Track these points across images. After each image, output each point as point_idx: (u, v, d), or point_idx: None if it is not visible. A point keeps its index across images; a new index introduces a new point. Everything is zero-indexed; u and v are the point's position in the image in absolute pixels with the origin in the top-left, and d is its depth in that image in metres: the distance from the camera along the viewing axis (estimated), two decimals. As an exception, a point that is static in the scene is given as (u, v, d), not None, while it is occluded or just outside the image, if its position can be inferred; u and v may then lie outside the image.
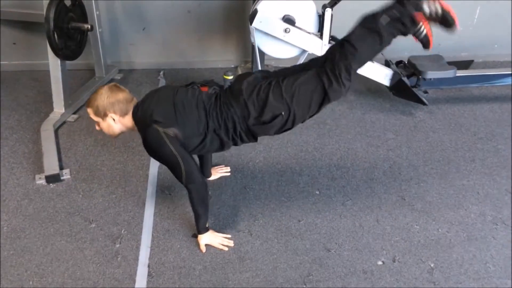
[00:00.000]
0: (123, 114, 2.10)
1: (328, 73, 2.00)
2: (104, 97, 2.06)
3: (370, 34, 2.00)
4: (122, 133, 2.18)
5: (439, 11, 2.01)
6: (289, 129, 2.14)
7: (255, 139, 2.17)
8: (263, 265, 2.14)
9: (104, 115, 2.08)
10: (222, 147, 2.15)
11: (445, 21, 2.04)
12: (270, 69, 2.15)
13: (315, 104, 2.07)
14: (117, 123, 2.11)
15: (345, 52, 1.98)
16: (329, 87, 2.01)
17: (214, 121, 2.07)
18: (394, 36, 2.05)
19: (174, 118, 2.04)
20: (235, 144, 2.17)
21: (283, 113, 2.05)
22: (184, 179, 2.05)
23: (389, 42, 2.05)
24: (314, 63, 2.17)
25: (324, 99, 2.06)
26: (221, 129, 2.08)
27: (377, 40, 2.01)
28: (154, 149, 2.06)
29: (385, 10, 1.98)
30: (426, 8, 2.00)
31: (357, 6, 3.49)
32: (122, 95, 2.09)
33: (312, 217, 2.39)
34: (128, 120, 2.12)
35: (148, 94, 2.19)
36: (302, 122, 2.17)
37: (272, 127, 2.10)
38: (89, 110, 2.11)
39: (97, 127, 2.16)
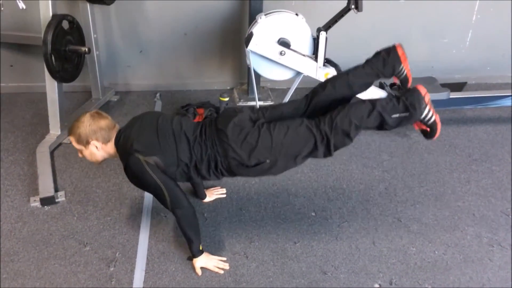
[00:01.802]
0: (106, 141, 2.11)
1: (326, 137, 2.01)
2: (86, 124, 2.06)
3: (376, 125, 2.02)
4: (104, 160, 2.19)
5: (431, 121, 2.01)
6: (271, 174, 2.15)
7: (234, 176, 2.18)
8: (259, 288, 2.12)
9: (86, 143, 2.09)
10: (203, 178, 2.17)
11: (430, 130, 2.05)
12: (256, 109, 2.21)
13: (301, 158, 2.09)
14: (99, 150, 2.12)
15: (349, 131, 1.99)
16: (323, 149, 2.04)
17: (196, 154, 2.08)
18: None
19: (156, 147, 2.05)
20: (217, 178, 2.16)
21: (268, 160, 2.06)
22: (169, 205, 2.06)
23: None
24: (304, 106, 2.17)
25: (311, 155, 2.08)
26: (203, 164, 2.09)
27: (381, 127, 2.04)
28: (135, 177, 2.06)
29: (387, 112, 1.99)
30: (424, 114, 2.00)
31: (350, 29, 3.57)
32: (104, 122, 2.10)
33: (308, 239, 2.38)
34: (111, 147, 2.13)
35: (131, 121, 2.19)
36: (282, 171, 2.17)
37: (254, 171, 2.10)
38: (71, 138, 2.12)
39: (79, 155, 2.17)
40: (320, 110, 2.13)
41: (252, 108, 2.20)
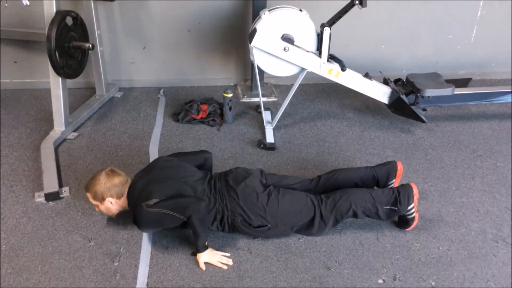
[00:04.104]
0: (119, 196, 2.27)
1: (323, 216, 2.27)
2: (102, 182, 2.24)
3: (371, 214, 2.32)
4: (120, 212, 2.34)
5: (412, 217, 2.35)
6: (265, 237, 2.34)
7: (233, 232, 2.34)
8: (262, 283, 2.12)
9: (102, 199, 2.25)
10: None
11: (404, 223, 2.39)
12: (266, 173, 2.45)
13: (295, 229, 2.32)
14: (114, 205, 2.28)
15: (343, 215, 2.28)
16: (317, 228, 2.29)
17: None
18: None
19: (159, 193, 2.18)
20: (217, 230, 2.32)
21: (269, 225, 2.26)
22: (182, 215, 2.13)
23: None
24: (310, 185, 2.46)
25: (304, 230, 2.33)
26: (209, 215, 2.23)
27: (374, 215, 2.34)
28: (142, 223, 2.19)
29: (386, 205, 2.30)
30: (410, 212, 2.33)
31: (355, 25, 3.56)
32: (118, 180, 2.27)
33: (312, 235, 2.38)
34: (124, 201, 2.29)
35: (139, 175, 2.35)
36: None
37: (254, 232, 2.29)
38: (88, 195, 2.29)
39: (96, 209, 2.33)
40: (324, 191, 2.41)
41: (261, 171, 2.41)
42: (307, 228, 2.31)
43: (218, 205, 2.25)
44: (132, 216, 2.22)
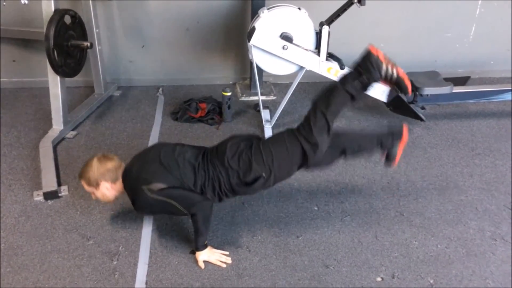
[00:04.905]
0: (114, 181, 2.23)
1: (309, 140, 2.17)
2: (95, 168, 2.19)
3: (344, 100, 2.21)
4: (116, 198, 2.31)
5: (394, 76, 2.19)
6: (269, 187, 2.29)
7: (236, 195, 2.31)
8: (261, 282, 2.12)
9: (96, 185, 2.21)
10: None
11: (398, 85, 2.24)
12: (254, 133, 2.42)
13: (295, 165, 2.25)
14: (110, 190, 2.23)
15: (322, 118, 2.17)
16: (309, 150, 2.18)
17: (201, 179, 2.19)
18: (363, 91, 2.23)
19: (160, 176, 2.15)
20: (220, 200, 2.27)
21: (264, 174, 2.19)
22: (186, 211, 2.12)
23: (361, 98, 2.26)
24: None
25: (303, 163, 2.23)
26: (208, 186, 2.20)
27: (352, 98, 2.21)
28: (143, 207, 2.19)
29: (348, 81, 2.18)
30: (382, 72, 2.17)
31: (353, 23, 3.56)
32: (110, 164, 2.23)
33: (311, 233, 2.38)
34: (119, 185, 2.25)
35: (135, 158, 2.31)
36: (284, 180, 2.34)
37: (253, 188, 2.23)
38: (82, 182, 2.25)
39: (92, 196, 2.29)
40: None
41: (247, 134, 2.43)
42: (306, 161, 2.22)
43: (213, 174, 2.20)
44: (130, 199, 2.20)
